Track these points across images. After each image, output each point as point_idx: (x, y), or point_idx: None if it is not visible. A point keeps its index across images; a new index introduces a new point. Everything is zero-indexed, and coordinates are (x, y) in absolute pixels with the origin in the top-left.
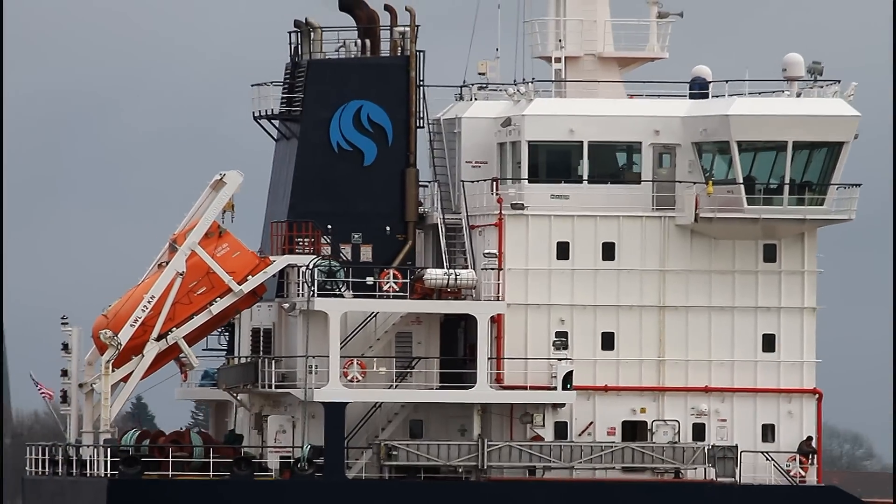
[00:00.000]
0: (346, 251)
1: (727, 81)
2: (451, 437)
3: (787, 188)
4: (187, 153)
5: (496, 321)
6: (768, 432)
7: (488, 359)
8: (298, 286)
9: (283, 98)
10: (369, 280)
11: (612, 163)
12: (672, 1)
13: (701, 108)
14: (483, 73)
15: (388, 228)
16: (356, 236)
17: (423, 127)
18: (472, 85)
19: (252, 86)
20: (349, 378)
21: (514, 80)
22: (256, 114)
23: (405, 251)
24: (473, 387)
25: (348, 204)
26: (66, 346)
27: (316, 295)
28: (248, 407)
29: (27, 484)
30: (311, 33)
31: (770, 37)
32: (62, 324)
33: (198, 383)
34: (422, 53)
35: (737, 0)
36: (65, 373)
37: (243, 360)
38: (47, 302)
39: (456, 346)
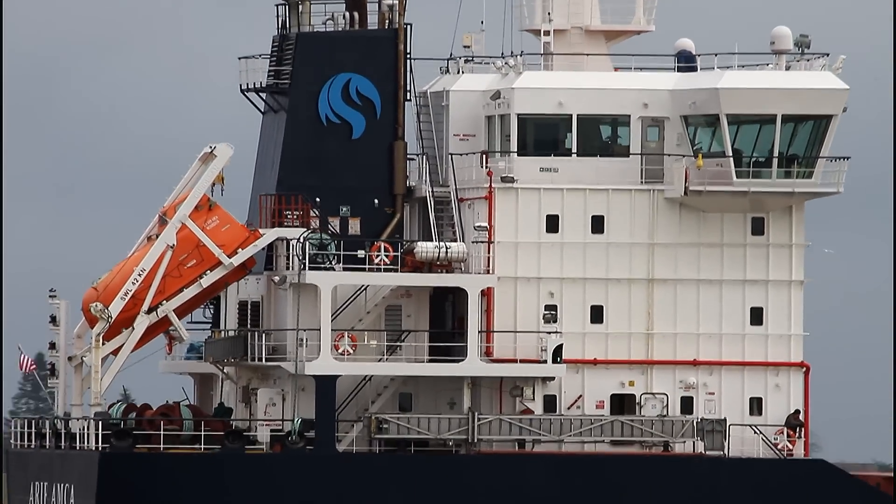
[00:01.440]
0: (335, 224)
1: (716, 55)
2: (441, 410)
3: (775, 161)
4: (172, 125)
5: (486, 294)
6: (756, 405)
7: (479, 332)
8: (288, 259)
9: (270, 71)
10: (360, 253)
11: (600, 136)
12: None
13: (690, 81)
14: (468, 46)
15: (376, 201)
16: (344, 209)
17: (410, 100)
18: (460, 58)
19: (239, 59)
20: (340, 351)
21: (502, 54)
22: (244, 86)
23: (393, 224)
24: (464, 360)
25: (337, 177)
26: (53, 319)
27: (307, 268)
28: (235, 380)
29: (11, 456)
30: (300, 6)
31: (757, 9)
32: (50, 296)
33: (183, 356)
34: (409, 26)
35: None
36: (53, 346)
37: (230, 334)
38: (34, 274)
39: (444, 319)
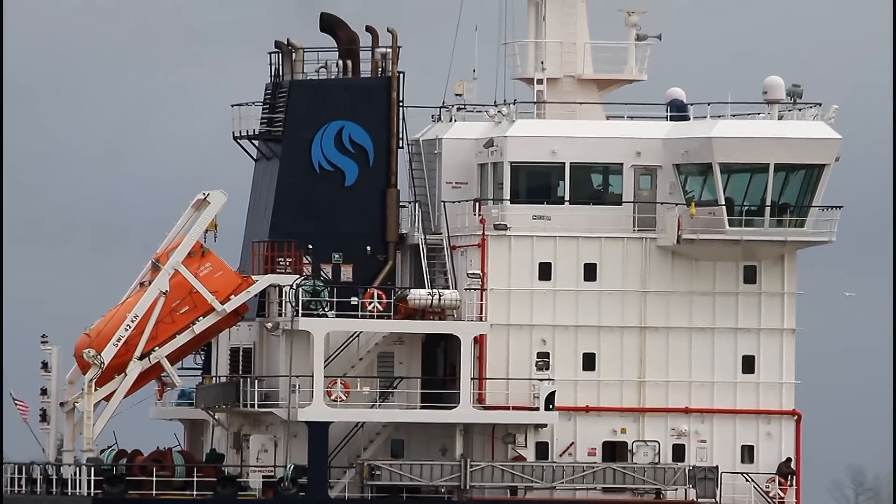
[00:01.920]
0: (327, 271)
1: (709, 104)
2: (432, 456)
3: (767, 210)
4: (162, 171)
5: (478, 341)
6: (747, 453)
7: (471, 379)
8: (281, 306)
9: (263, 118)
10: (353, 300)
11: (592, 184)
12: (650, 23)
13: (682, 129)
14: (460, 94)
15: (368, 248)
16: (337, 256)
17: (402, 147)
18: (452, 106)
19: (232, 106)
20: (333, 398)
21: (495, 102)
22: (236, 133)
23: (385, 271)
24: (457, 406)
25: (329, 224)
26: (45, 365)
27: (300, 314)
28: (227, 426)
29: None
30: (293, 54)
31: (749, 58)
32: (42, 342)
33: (174, 402)
34: (402, 74)
35: (714, 23)
36: (44, 391)
37: (222, 380)
38: (24, 321)
39: (436, 366)
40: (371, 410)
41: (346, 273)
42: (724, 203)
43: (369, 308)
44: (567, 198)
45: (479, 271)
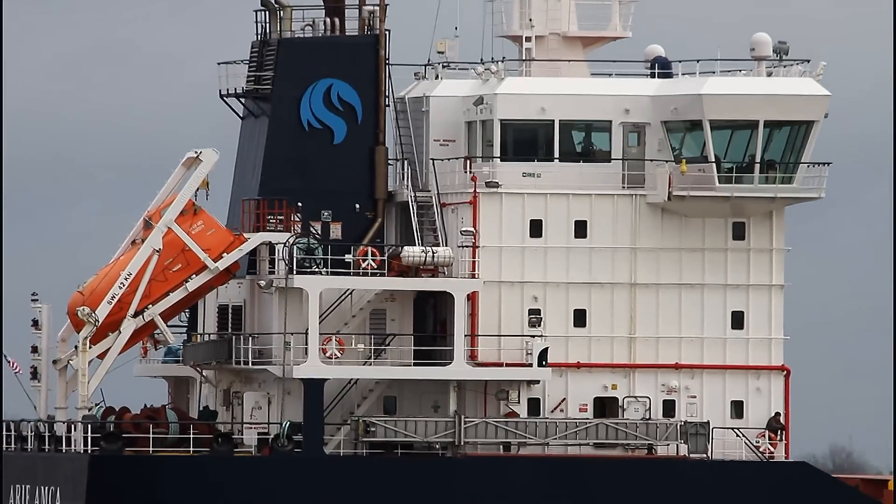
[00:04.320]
0: (316, 228)
1: (698, 61)
2: (424, 412)
3: (757, 167)
4: (149, 129)
5: (471, 298)
6: (736, 409)
7: (465, 336)
8: (273, 264)
9: (250, 76)
10: (347, 257)
11: (582, 141)
12: None
13: (671, 87)
14: (442, 52)
15: (357, 206)
16: (325, 214)
17: (389, 106)
18: (438, 64)
19: (218, 64)
20: (328, 355)
21: (482, 59)
22: (223, 91)
23: (374, 228)
24: (451, 364)
25: (318, 182)
26: (35, 323)
27: (295, 272)
28: (215, 384)
29: None
30: (280, 12)
31: (732, 15)
32: (32, 300)
33: (160, 359)
34: (388, 32)
35: None
36: (35, 349)
37: (211, 337)
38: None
39: (426, 322)
40: (367, 368)
41: (335, 231)
42: (713, 160)
43: (363, 265)
44: (557, 155)
45: (472, 228)
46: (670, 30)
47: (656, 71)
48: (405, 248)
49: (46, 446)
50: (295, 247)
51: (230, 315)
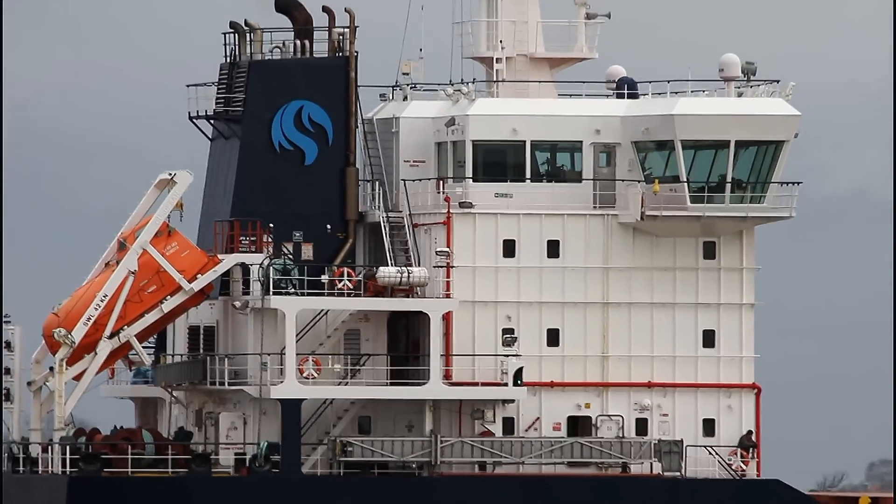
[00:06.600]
0: (288, 249)
1: (668, 81)
2: (399, 432)
3: (728, 186)
4: (119, 152)
5: (445, 318)
6: (708, 427)
7: (440, 355)
8: (247, 285)
9: (219, 98)
10: (324, 278)
11: (553, 162)
12: (600, 2)
13: (642, 107)
14: (407, 73)
15: (328, 227)
16: (297, 234)
17: (358, 127)
18: (406, 85)
19: (188, 86)
20: (304, 375)
21: (450, 80)
22: (192, 113)
23: (346, 249)
24: (427, 383)
25: (289, 203)
26: (8, 345)
27: (271, 293)
28: (186, 404)
29: None
30: (250, 34)
31: (697, 37)
32: (4, 322)
33: (129, 380)
34: (357, 54)
35: (663, 2)
36: (7, 371)
37: (183, 358)
38: None
39: (399, 342)
40: (342, 387)
41: (307, 251)
42: (685, 180)
43: (339, 286)
44: (528, 176)
45: (447, 249)
46: (636, 50)
47: (624, 91)
48: (380, 268)
49: (21, 468)
50: (271, 268)
51: (202, 336)
